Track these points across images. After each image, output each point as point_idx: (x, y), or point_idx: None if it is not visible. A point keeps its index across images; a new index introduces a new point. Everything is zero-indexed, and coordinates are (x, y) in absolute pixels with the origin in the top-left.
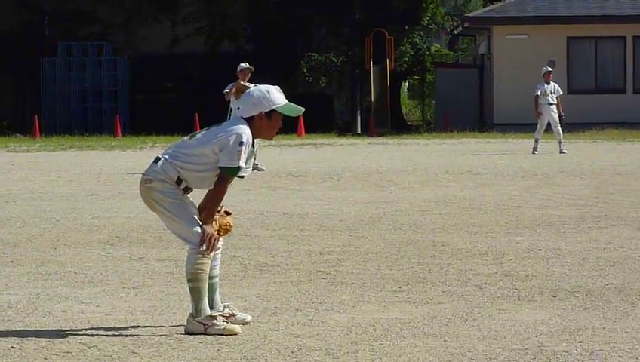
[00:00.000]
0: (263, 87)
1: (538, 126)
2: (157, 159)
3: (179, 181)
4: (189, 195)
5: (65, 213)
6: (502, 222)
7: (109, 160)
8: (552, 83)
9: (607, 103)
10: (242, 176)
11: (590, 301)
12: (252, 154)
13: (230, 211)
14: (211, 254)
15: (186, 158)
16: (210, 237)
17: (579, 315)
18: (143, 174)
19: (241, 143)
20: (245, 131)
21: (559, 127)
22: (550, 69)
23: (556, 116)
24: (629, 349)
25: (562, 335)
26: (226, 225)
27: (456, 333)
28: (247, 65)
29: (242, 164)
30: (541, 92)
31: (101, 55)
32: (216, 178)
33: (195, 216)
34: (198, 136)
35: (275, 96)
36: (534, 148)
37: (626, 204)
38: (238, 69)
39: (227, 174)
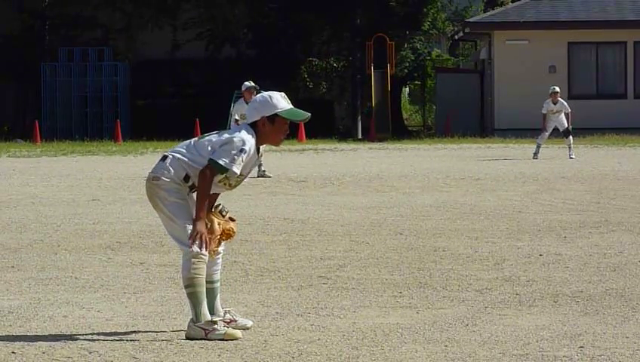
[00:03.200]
0: (267, 93)
1: (542, 132)
2: (164, 157)
3: (187, 178)
4: (194, 196)
5: (66, 218)
6: (503, 228)
7: (110, 165)
8: (559, 101)
9: (608, 108)
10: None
11: (591, 306)
12: (257, 162)
13: (235, 218)
14: (206, 258)
15: (193, 157)
16: (200, 235)
17: (580, 320)
18: (151, 172)
19: (242, 150)
20: (250, 140)
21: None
22: (557, 89)
23: (563, 122)
24: (629, 354)
25: (563, 340)
26: (229, 231)
27: (457, 338)
28: (252, 84)
29: (236, 170)
30: (548, 110)
31: (102, 60)
32: (219, 182)
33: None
34: (208, 137)
35: (278, 100)
36: (535, 154)
37: (626, 209)
38: (243, 88)
39: (213, 167)
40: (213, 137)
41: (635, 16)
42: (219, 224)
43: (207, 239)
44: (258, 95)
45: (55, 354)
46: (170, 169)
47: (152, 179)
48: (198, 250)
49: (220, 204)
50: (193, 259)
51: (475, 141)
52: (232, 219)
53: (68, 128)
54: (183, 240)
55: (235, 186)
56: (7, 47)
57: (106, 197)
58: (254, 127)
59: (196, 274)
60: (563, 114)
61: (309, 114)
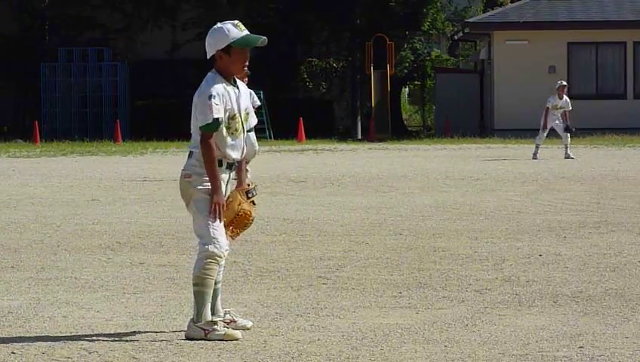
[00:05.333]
0: (218, 25)
1: (540, 131)
2: (190, 153)
3: (219, 162)
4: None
5: (65, 218)
6: (502, 228)
7: (110, 165)
8: (565, 97)
9: (608, 109)
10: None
11: (591, 306)
12: (242, 96)
13: (256, 203)
14: (221, 261)
15: (197, 137)
16: (217, 205)
17: (579, 321)
18: (183, 170)
19: (210, 97)
20: (210, 85)
21: (562, 132)
22: (564, 83)
23: (562, 125)
24: (629, 354)
25: (563, 340)
26: (246, 213)
27: (456, 339)
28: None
29: (218, 115)
30: (552, 105)
31: (101, 60)
32: (228, 136)
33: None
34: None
35: (229, 30)
36: (535, 154)
37: (626, 209)
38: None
39: (206, 131)
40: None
41: (635, 17)
42: (239, 204)
43: (223, 208)
44: (211, 29)
45: (55, 354)
46: (198, 162)
47: (184, 177)
48: (215, 221)
49: (250, 184)
50: (207, 259)
51: (475, 141)
52: (253, 203)
53: (67, 128)
54: (202, 236)
55: (243, 129)
56: (7, 47)
57: (105, 198)
58: (215, 64)
59: (207, 274)
60: (562, 118)
61: (265, 37)
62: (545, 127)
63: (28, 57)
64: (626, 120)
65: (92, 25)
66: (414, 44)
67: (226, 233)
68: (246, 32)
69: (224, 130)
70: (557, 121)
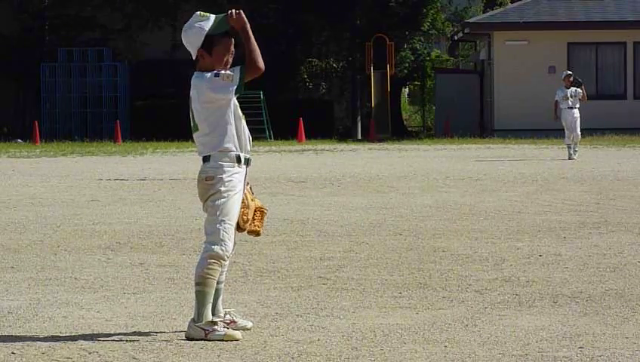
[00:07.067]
0: (187, 24)
1: (566, 131)
2: (206, 157)
3: (238, 158)
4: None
5: (65, 218)
6: (502, 228)
7: (110, 165)
8: (571, 87)
9: (608, 109)
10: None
11: (590, 306)
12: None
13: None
14: (225, 262)
15: (213, 128)
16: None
17: (579, 321)
18: (202, 172)
19: (216, 75)
20: (207, 73)
21: (578, 131)
22: (570, 72)
23: (577, 121)
24: (629, 355)
25: (563, 340)
26: (261, 208)
27: (456, 339)
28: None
29: (237, 79)
30: (561, 97)
31: (101, 61)
32: (227, 106)
33: (232, 219)
34: (194, 118)
35: (198, 24)
36: (570, 155)
37: (626, 209)
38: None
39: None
40: (194, 103)
41: (635, 17)
42: (252, 200)
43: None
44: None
45: (55, 354)
46: (218, 164)
47: (206, 179)
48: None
49: (248, 183)
50: (211, 260)
51: (475, 142)
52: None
53: (67, 129)
54: (210, 234)
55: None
56: (7, 47)
57: (105, 198)
58: (200, 62)
59: (209, 274)
60: (578, 103)
61: (232, 10)
62: (556, 119)
63: (28, 57)
64: (626, 120)
65: (92, 25)
66: (414, 45)
67: (252, 228)
68: (212, 16)
69: (232, 115)
70: (574, 116)
